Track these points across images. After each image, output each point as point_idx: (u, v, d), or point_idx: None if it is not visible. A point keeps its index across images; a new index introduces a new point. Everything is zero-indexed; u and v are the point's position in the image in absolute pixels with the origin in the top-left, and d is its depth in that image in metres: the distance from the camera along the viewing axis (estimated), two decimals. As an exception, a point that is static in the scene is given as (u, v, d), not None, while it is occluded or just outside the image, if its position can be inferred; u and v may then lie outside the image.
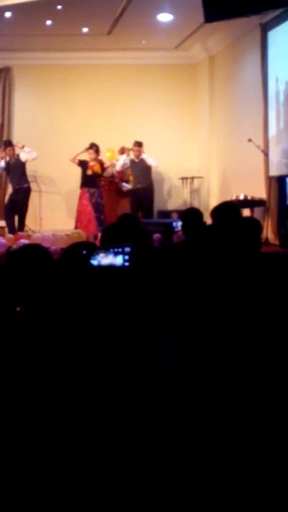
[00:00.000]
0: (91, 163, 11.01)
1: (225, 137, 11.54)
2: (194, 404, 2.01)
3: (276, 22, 9.49)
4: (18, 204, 10.93)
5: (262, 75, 9.89)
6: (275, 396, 2.10)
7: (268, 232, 9.33)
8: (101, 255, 3.31)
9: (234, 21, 9.14)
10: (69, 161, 11.08)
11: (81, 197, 11.08)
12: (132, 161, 11.08)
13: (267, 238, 9.11)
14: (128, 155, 11.13)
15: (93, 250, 3.32)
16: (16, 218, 10.97)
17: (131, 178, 11.36)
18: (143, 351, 2.17)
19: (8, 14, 9.94)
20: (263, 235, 7.96)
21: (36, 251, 2.56)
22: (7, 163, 10.99)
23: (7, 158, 10.97)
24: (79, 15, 10.03)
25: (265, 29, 9.81)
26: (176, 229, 7.97)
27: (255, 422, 2.01)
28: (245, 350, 2.31)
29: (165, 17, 10.32)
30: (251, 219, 4.74)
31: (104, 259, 3.29)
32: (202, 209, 7.11)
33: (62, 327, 2.27)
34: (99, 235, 9.47)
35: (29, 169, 11.19)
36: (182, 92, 12.47)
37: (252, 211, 9.64)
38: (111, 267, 3.26)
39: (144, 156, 10.99)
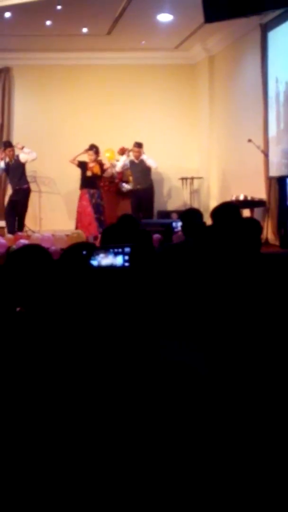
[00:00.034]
0: (91, 165, 11.01)
1: (225, 138, 11.54)
2: (195, 404, 2.01)
3: (276, 22, 9.49)
4: (18, 205, 10.93)
5: (262, 75, 9.88)
6: (276, 396, 2.09)
7: (268, 232, 9.33)
8: (101, 255, 3.30)
9: (234, 21, 9.14)
10: (69, 162, 11.09)
11: (81, 198, 11.08)
12: (132, 162, 11.07)
13: (267, 239, 9.11)
14: (128, 156, 11.12)
15: (93, 250, 3.32)
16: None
17: (130, 178, 11.36)
18: (144, 351, 2.17)
19: (7, 15, 9.94)
20: (263, 235, 7.95)
21: (36, 251, 2.55)
22: (7, 164, 10.99)
23: (7, 159, 10.98)
24: (79, 15, 10.03)
25: (265, 29, 9.80)
26: (176, 230, 7.96)
27: (256, 422, 2.00)
28: (245, 350, 2.31)
29: (165, 17, 10.32)
30: (251, 219, 4.74)
31: (104, 260, 3.29)
32: (202, 209, 7.11)
33: (62, 328, 2.27)
34: (99, 236, 9.46)
35: (29, 170, 11.20)
36: (182, 93, 12.47)
37: (252, 211, 9.63)
38: (111, 268, 3.26)
39: (144, 157, 10.98)
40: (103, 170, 11.18)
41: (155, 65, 12.32)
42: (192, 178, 11.99)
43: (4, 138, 12.03)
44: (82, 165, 11.06)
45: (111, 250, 3.30)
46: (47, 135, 12.07)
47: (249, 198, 9.55)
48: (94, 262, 3.25)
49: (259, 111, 9.95)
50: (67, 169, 11.41)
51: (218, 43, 11.51)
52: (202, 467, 1.90)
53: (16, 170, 10.96)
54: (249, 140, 9.73)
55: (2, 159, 11.01)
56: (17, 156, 10.96)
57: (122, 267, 3.26)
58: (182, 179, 12.01)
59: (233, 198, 9.50)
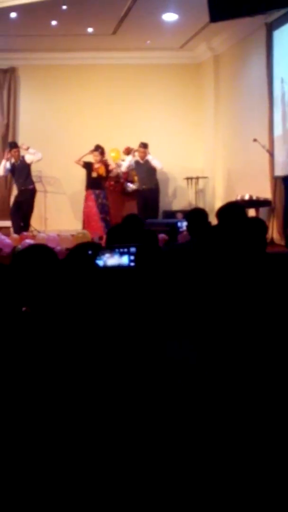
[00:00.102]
0: (96, 165, 11.02)
1: (230, 137, 11.53)
2: (198, 403, 2.01)
3: (281, 21, 9.47)
4: (24, 205, 10.95)
5: (267, 75, 9.87)
6: (279, 397, 2.09)
7: (274, 232, 9.31)
8: (107, 255, 3.31)
9: (239, 20, 9.12)
10: (74, 163, 11.10)
11: (86, 199, 11.10)
12: (137, 162, 11.06)
13: (272, 239, 9.09)
14: (134, 156, 11.12)
15: (98, 250, 3.32)
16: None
17: (136, 178, 11.36)
18: (150, 351, 2.17)
19: (13, 15, 9.96)
20: (269, 235, 7.93)
21: (42, 251, 2.56)
22: (13, 165, 11.00)
23: (12, 160, 10.99)
24: (84, 15, 10.03)
25: (270, 28, 9.79)
26: (181, 229, 7.97)
27: (256, 422, 2.00)
28: (251, 350, 2.31)
29: (170, 17, 10.32)
30: (256, 219, 4.73)
31: (110, 260, 3.29)
32: (207, 209, 7.08)
33: (68, 328, 2.27)
34: (104, 236, 9.47)
35: (34, 170, 11.21)
36: (187, 92, 12.46)
37: (257, 211, 9.62)
38: (117, 267, 3.26)
39: (149, 157, 10.97)
40: (108, 170, 11.19)
41: (160, 65, 12.32)
42: (197, 178, 11.98)
43: (10, 138, 12.04)
44: (88, 166, 11.07)
45: (117, 250, 3.31)
46: (53, 135, 12.07)
47: (254, 198, 9.53)
48: (100, 262, 3.26)
49: (264, 111, 9.94)
50: (73, 169, 11.42)
51: (223, 42, 11.50)
52: (203, 466, 1.91)
53: (22, 171, 10.97)
54: (255, 140, 9.72)
55: (7, 159, 11.02)
56: (23, 157, 10.97)
57: (128, 267, 3.26)
58: (187, 179, 12.01)
59: (238, 198, 9.49)
